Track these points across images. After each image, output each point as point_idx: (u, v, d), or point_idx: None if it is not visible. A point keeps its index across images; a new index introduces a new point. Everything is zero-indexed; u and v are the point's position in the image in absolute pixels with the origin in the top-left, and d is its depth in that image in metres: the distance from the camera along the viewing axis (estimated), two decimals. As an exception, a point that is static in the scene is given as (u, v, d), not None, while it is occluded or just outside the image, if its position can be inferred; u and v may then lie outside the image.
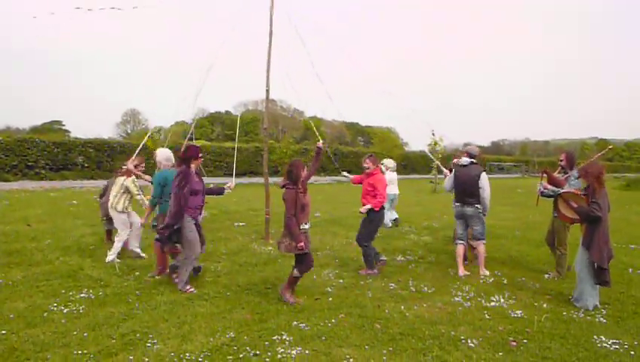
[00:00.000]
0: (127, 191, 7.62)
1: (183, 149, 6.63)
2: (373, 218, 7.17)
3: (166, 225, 5.92)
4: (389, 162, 12.01)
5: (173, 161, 7.06)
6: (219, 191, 6.88)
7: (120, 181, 7.66)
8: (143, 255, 7.84)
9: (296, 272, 5.76)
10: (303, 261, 5.74)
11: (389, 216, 11.66)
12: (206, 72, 8.92)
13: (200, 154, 6.32)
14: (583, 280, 5.79)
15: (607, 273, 5.66)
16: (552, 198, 6.87)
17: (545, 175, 7.07)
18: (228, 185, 6.92)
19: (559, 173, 7.33)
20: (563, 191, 6.48)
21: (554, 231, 7.23)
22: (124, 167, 7.85)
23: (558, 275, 7.17)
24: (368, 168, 7.24)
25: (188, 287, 6.07)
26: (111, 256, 7.47)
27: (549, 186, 6.86)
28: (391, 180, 11.16)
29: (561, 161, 7.31)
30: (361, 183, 7.45)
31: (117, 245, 7.60)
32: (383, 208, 7.21)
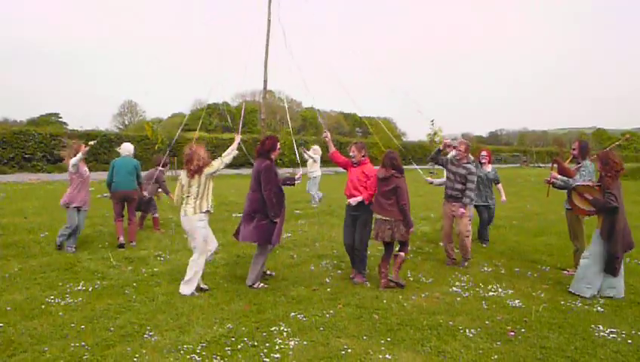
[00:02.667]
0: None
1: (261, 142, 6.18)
2: (368, 220, 6.31)
3: (272, 220, 5.88)
4: (317, 149, 14.59)
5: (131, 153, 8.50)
6: (291, 181, 6.54)
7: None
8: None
9: (403, 255, 6.23)
10: (408, 243, 6.31)
11: (319, 195, 14.34)
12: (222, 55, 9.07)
13: (278, 145, 6.12)
14: (589, 268, 5.74)
15: (620, 262, 5.63)
16: (563, 189, 6.49)
17: (555, 165, 6.78)
18: (298, 175, 6.68)
19: (571, 162, 6.98)
20: (577, 184, 6.20)
21: (569, 225, 6.91)
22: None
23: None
24: (355, 157, 6.39)
25: (259, 284, 6.02)
26: (187, 288, 5.70)
27: (559, 176, 6.45)
28: (316, 162, 14.27)
29: (573, 150, 6.90)
30: (341, 163, 6.68)
31: (191, 271, 5.75)
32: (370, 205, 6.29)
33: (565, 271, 6.94)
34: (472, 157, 7.57)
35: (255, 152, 6.21)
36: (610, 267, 5.67)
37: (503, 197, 9.10)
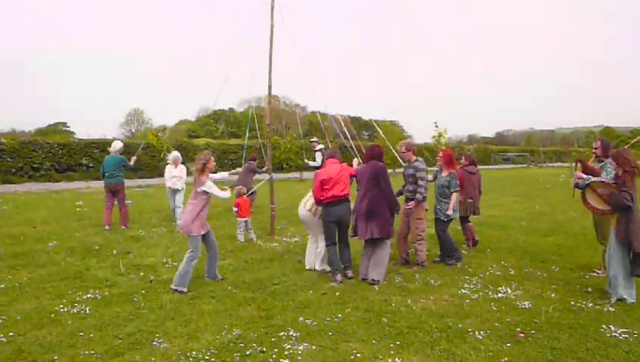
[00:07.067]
0: None
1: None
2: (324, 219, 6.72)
3: (393, 213, 6.66)
4: (175, 154, 10.85)
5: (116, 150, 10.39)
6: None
7: None
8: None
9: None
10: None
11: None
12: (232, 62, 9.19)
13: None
14: (616, 273, 5.60)
15: None
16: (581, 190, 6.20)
17: (579, 164, 6.65)
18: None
19: (593, 161, 6.86)
20: (591, 180, 6.00)
21: (596, 225, 6.72)
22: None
23: (605, 272, 6.55)
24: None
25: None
26: (320, 265, 6.97)
27: (584, 176, 6.16)
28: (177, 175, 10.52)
29: (595, 148, 6.79)
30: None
31: (323, 252, 6.92)
32: (331, 205, 6.48)
33: (594, 273, 6.81)
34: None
35: (364, 158, 6.83)
36: (637, 269, 5.46)
37: (449, 210, 7.29)
